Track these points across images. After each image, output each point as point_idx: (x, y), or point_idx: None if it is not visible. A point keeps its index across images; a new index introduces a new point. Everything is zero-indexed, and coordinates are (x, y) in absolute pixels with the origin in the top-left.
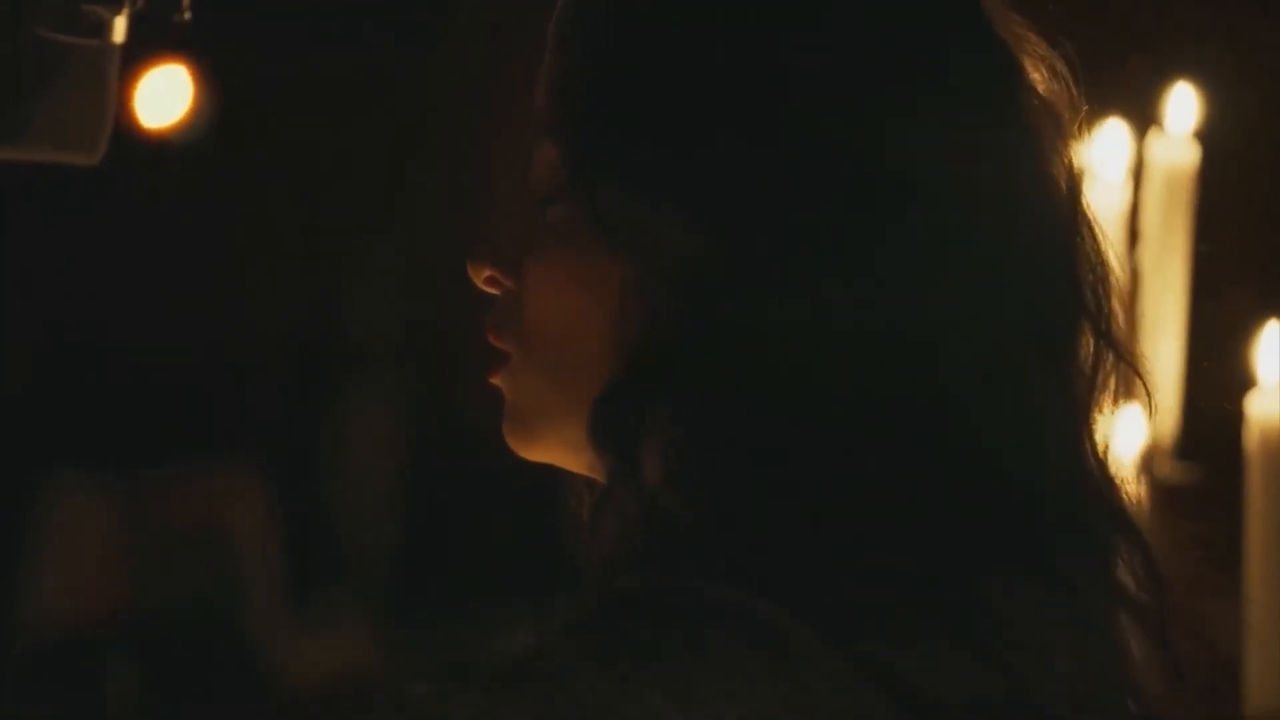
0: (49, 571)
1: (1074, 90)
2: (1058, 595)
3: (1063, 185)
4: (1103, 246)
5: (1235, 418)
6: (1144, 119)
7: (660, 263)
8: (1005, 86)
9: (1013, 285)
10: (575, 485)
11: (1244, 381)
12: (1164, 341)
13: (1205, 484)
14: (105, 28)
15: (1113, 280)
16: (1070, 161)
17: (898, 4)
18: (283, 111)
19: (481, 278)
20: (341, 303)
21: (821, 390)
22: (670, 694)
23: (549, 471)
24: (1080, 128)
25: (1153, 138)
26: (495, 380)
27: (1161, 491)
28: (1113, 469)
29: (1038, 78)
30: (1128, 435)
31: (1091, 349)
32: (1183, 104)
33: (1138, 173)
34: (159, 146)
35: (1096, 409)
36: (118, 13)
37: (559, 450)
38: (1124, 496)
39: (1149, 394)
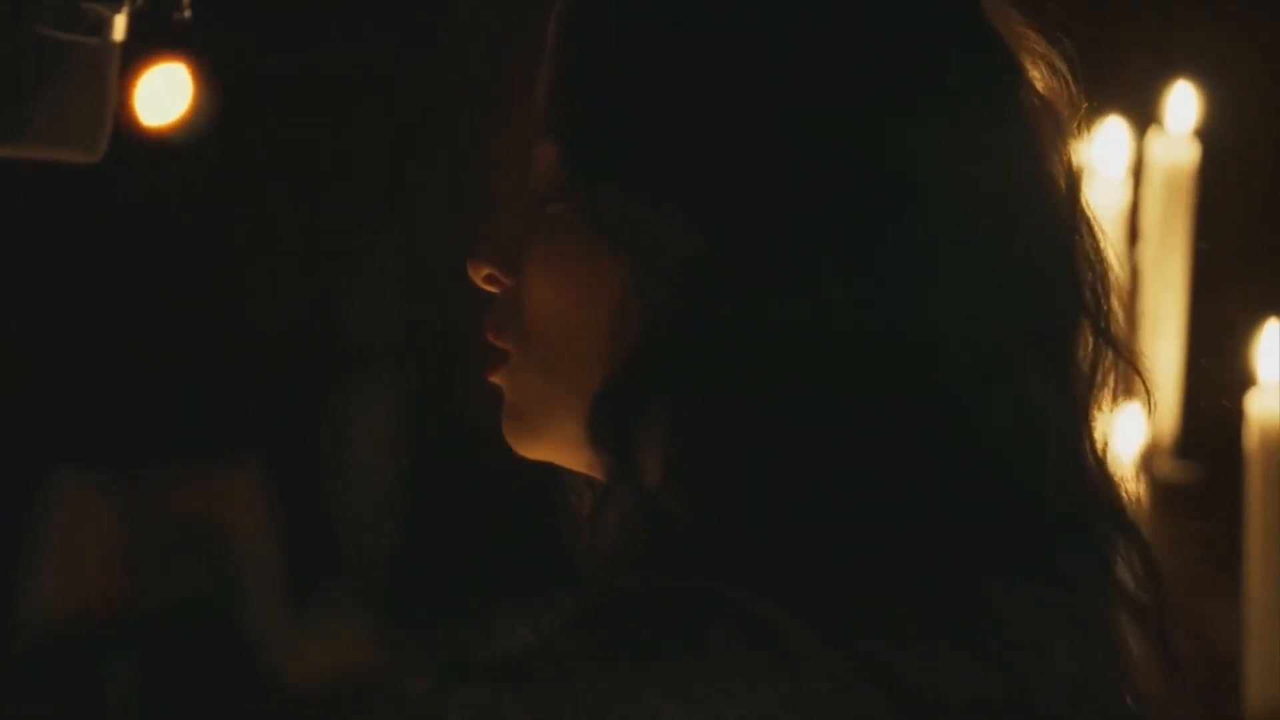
0: (49, 571)
1: (1074, 88)
2: (1057, 595)
3: (1062, 184)
4: (1102, 245)
5: (1235, 417)
6: (1144, 117)
7: (660, 262)
8: (1005, 85)
9: (1012, 285)
10: (575, 484)
11: (1243, 380)
12: (1164, 340)
13: (1205, 483)
14: (105, 26)
15: (1112, 279)
16: (1070, 160)
17: (897, 3)
18: (283, 111)
19: (481, 276)
20: (341, 303)
21: (821, 390)
22: (670, 694)
23: (549, 471)
24: (1080, 126)
25: (1152, 136)
26: (495, 379)
27: (1161, 491)
28: (1112, 468)
29: (1037, 76)
30: (1127, 434)
31: (1091, 348)
32: (1183, 102)
33: (1137, 171)
34: (159, 145)
35: (1096, 408)
36: (118, 11)
37: (558, 449)
38: (1123, 495)
39: (1148, 393)
